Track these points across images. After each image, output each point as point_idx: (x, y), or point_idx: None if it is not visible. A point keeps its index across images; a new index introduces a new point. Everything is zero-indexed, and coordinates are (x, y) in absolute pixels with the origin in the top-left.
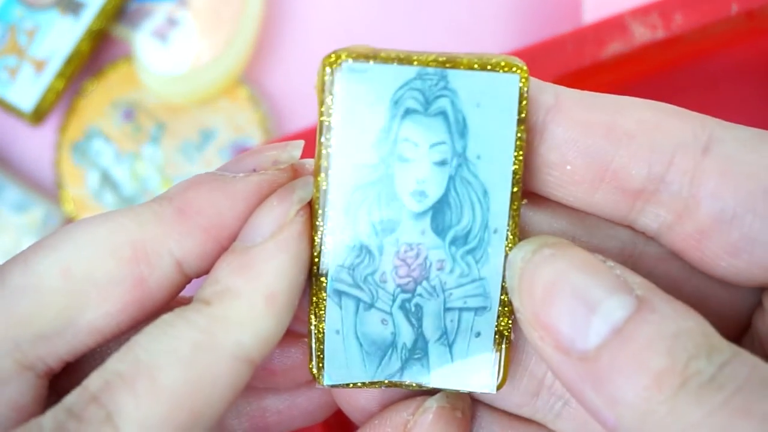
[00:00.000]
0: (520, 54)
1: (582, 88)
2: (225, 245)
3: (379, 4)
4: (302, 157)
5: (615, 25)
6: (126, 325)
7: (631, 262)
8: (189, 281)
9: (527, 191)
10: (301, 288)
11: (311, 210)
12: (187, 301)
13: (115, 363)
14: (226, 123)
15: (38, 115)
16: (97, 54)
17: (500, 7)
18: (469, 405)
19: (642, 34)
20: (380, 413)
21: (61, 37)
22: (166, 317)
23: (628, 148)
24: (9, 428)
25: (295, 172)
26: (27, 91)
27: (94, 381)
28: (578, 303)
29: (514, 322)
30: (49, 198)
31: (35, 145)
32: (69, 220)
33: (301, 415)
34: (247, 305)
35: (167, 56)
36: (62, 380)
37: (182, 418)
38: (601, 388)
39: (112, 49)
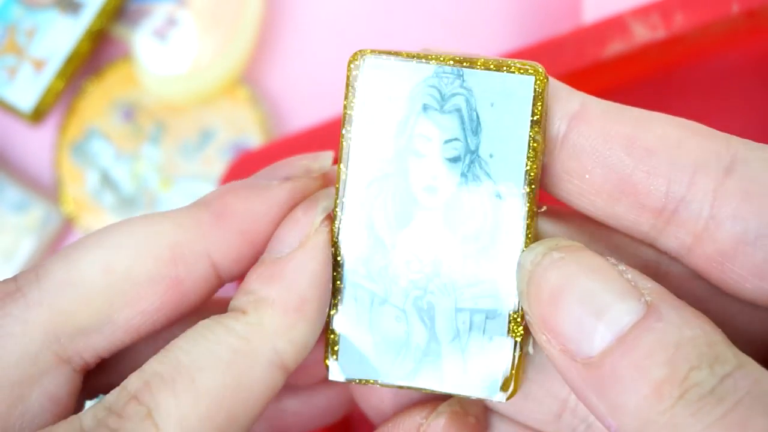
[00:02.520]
0: (520, 54)
1: (582, 88)
2: (259, 250)
3: (379, 4)
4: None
5: (615, 24)
6: (161, 324)
7: (656, 281)
8: (222, 285)
9: (549, 200)
10: (329, 294)
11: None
12: (219, 304)
13: (154, 365)
14: (225, 123)
15: (38, 115)
16: (96, 54)
17: (500, 7)
18: (483, 411)
19: (642, 33)
20: (394, 417)
21: (60, 36)
22: (204, 323)
23: (647, 162)
24: (45, 419)
25: (325, 181)
26: (26, 91)
27: (133, 382)
28: (585, 308)
29: (527, 332)
30: (48, 198)
31: (34, 144)
32: (68, 220)
33: (320, 415)
34: (280, 313)
35: (167, 56)
36: (94, 378)
37: (220, 419)
38: (603, 395)
39: (111, 49)
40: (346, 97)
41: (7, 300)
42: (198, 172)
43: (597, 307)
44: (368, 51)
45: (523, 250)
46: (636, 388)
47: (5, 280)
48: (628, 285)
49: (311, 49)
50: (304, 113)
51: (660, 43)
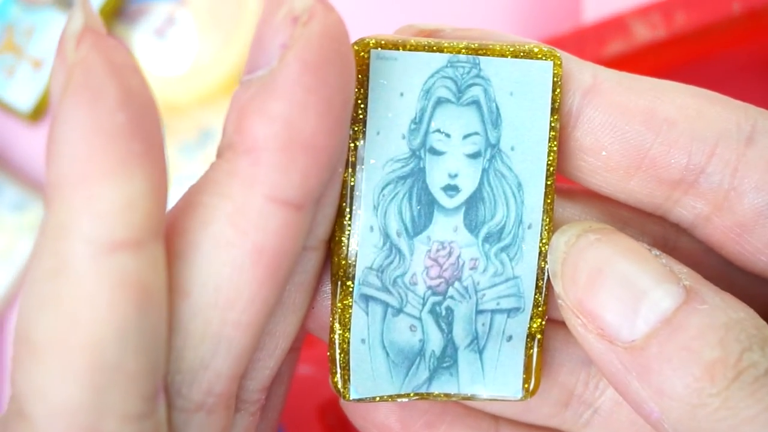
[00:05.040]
0: None
1: None
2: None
3: (378, 3)
4: None
5: (616, 24)
6: None
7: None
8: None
9: (558, 180)
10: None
11: (338, 209)
12: None
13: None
14: None
15: (36, 115)
16: None
17: (500, 7)
18: None
19: (643, 33)
20: None
21: (58, 36)
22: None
23: (668, 135)
24: None
25: None
26: (25, 91)
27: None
28: (625, 291)
29: (547, 323)
30: None
31: (34, 144)
32: None
33: None
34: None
35: (167, 56)
36: None
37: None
38: (647, 379)
39: None
40: None
41: None
42: (198, 172)
43: (637, 290)
44: (372, 42)
45: (545, 244)
46: (686, 369)
47: None
48: (665, 269)
49: None
50: None
51: (661, 43)
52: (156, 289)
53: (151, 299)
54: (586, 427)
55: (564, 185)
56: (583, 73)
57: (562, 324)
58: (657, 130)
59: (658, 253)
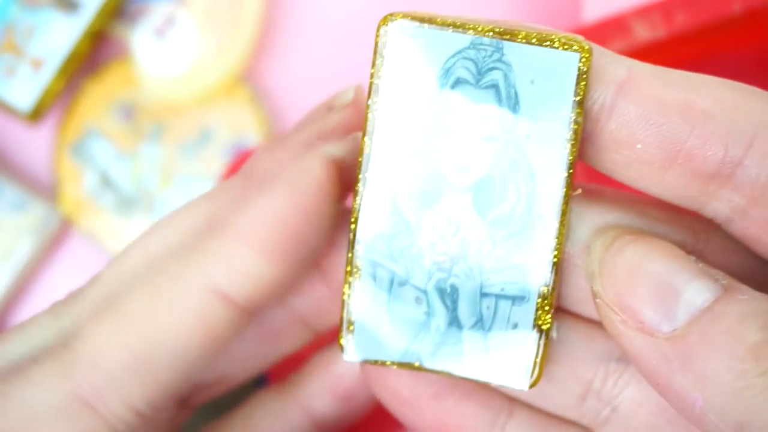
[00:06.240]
0: None
1: None
2: None
3: (379, 4)
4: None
5: (616, 24)
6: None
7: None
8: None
9: (588, 173)
10: (308, 241)
11: (355, 175)
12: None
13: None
14: (225, 123)
15: (36, 115)
16: (95, 53)
17: (500, 6)
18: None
19: (643, 33)
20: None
21: (59, 36)
22: None
23: (704, 128)
24: None
25: (354, 113)
26: (25, 91)
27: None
28: (664, 285)
29: (554, 317)
30: (47, 198)
31: (33, 144)
32: (67, 221)
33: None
34: (226, 240)
35: (166, 56)
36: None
37: (140, 345)
38: (690, 367)
39: (110, 49)
40: (373, 65)
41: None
42: (198, 172)
43: (676, 283)
44: (400, 15)
45: (557, 237)
46: (730, 352)
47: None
48: (702, 268)
49: (312, 49)
50: (305, 113)
51: (661, 43)
52: (217, 340)
53: (213, 341)
54: (605, 425)
55: (588, 185)
56: (618, 66)
57: (581, 318)
58: (693, 123)
59: (693, 258)
